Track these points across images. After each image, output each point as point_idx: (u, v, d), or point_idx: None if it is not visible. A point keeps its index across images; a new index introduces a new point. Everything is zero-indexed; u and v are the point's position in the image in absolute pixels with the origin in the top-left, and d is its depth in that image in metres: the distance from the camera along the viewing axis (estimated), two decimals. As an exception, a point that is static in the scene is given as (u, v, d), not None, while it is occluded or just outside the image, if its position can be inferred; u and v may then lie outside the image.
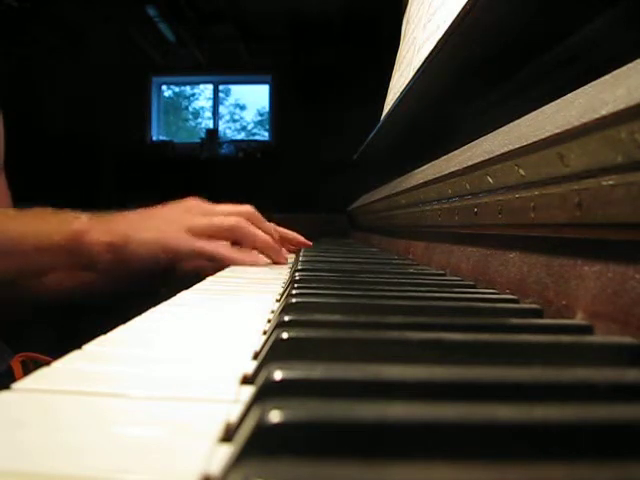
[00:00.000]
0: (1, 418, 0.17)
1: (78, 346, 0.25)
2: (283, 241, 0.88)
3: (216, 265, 0.73)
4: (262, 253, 0.72)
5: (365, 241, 1.35)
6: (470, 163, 0.48)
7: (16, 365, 0.69)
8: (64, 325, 0.84)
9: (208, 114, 4.85)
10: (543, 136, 0.33)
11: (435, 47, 0.65)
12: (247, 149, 4.37)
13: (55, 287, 0.79)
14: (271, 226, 0.76)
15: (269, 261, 0.73)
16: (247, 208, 0.73)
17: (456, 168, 0.52)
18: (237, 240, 0.71)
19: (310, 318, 0.28)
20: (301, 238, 0.92)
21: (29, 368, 0.66)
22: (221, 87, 4.81)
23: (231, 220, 0.68)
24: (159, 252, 0.63)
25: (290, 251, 0.90)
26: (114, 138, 4.14)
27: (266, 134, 4.63)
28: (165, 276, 0.80)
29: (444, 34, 0.60)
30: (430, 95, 0.78)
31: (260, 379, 0.18)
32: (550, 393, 0.18)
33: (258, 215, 0.73)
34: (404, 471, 0.13)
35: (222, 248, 0.67)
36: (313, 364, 0.19)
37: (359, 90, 2.98)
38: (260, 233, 0.71)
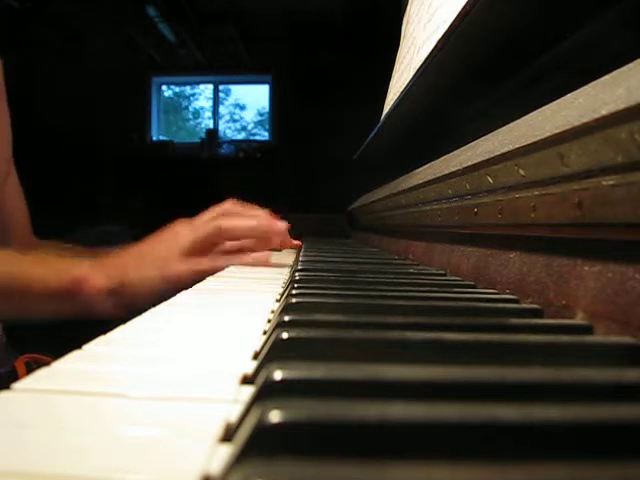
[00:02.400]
0: (1, 418, 0.17)
1: (78, 346, 0.25)
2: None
3: None
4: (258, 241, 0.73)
5: (365, 241, 1.35)
6: (470, 163, 0.48)
7: (20, 366, 0.69)
8: (66, 325, 0.84)
9: (208, 114, 4.85)
10: (543, 136, 0.33)
11: (435, 47, 0.65)
12: (247, 149, 4.37)
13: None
14: (254, 211, 0.75)
15: (265, 258, 0.73)
16: (224, 206, 0.73)
17: (456, 168, 0.52)
18: (229, 239, 0.71)
19: (310, 318, 0.28)
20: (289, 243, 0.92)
21: (33, 369, 0.67)
22: (221, 87, 4.81)
23: (211, 226, 0.69)
24: (160, 285, 0.64)
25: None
26: (114, 138, 4.14)
27: (266, 134, 4.62)
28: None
29: (444, 34, 0.60)
30: (430, 95, 0.78)
31: (260, 379, 0.18)
32: (550, 393, 0.18)
33: (237, 208, 0.73)
34: (404, 471, 0.13)
35: (219, 261, 0.68)
36: (313, 364, 0.19)
37: (359, 90, 2.97)
38: (243, 224, 0.71)
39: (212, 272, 0.67)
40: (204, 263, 0.67)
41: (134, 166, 4.12)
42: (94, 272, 0.62)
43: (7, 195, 0.81)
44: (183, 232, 0.69)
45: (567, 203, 0.31)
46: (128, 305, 0.63)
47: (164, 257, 0.66)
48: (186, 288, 0.70)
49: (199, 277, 0.66)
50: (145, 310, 0.36)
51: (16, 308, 0.62)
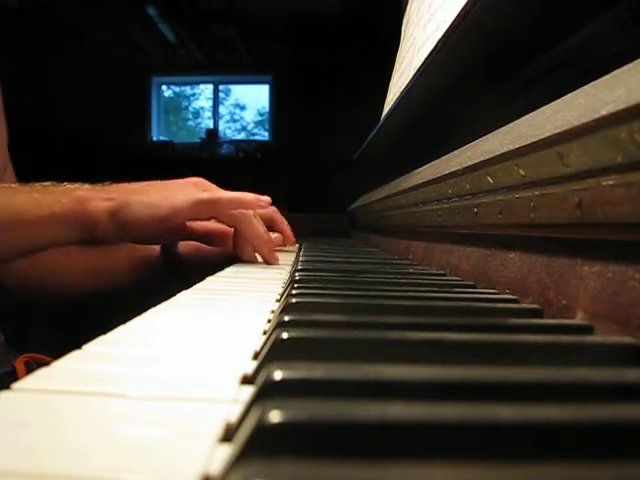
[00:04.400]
0: (1, 418, 0.17)
1: (78, 346, 0.25)
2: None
3: (210, 256, 0.74)
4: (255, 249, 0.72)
5: (365, 241, 1.35)
6: (470, 163, 0.48)
7: (20, 366, 0.69)
8: (66, 325, 0.85)
9: (208, 114, 4.85)
10: (543, 136, 0.33)
11: (435, 47, 0.65)
12: (247, 149, 4.37)
13: (67, 282, 0.80)
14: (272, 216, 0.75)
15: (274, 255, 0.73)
16: (249, 198, 0.72)
17: (456, 168, 0.52)
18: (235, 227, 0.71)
19: (310, 318, 0.28)
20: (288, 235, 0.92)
21: (33, 369, 0.66)
22: (221, 87, 4.81)
23: (234, 194, 0.68)
24: (160, 211, 0.63)
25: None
26: (114, 138, 4.14)
27: (266, 134, 4.63)
28: (167, 260, 0.81)
29: (444, 34, 0.60)
30: (430, 95, 0.78)
31: (260, 379, 0.18)
32: (550, 393, 0.18)
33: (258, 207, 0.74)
34: (404, 471, 0.13)
35: (222, 192, 0.67)
36: (313, 364, 0.19)
37: (359, 90, 2.98)
38: (259, 230, 0.71)
39: (211, 206, 0.66)
40: (205, 194, 0.66)
41: (134, 166, 4.12)
42: (95, 194, 0.62)
43: None
44: (201, 187, 0.69)
45: (567, 203, 0.31)
46: (126, 227, 0.62)
47: (165, 190, 0.66)
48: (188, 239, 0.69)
49: (200, 209, 0.66)
50: (145, 309, 0.36)
51: (23, 234, 0.61)
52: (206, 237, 0.75)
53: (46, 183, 0.64)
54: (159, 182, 0.68)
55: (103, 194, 0.63)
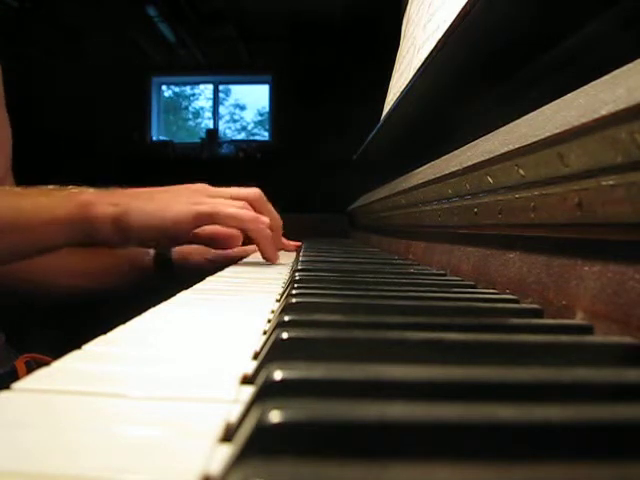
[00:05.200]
0: (1, 418, 0.17)
1: (78, 346, 0.25)
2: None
3: (215, 264, 0.74)
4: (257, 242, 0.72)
5: (365, 241, 1.35)
6: (470, 163, 0.48)
7: (20, 366, 0.69)
8: (66, 325, 0.85)
9: (208, 114, 4.85)
10: (543, 136, 0.33)
11: (435, 47, 0.65)
12: (247, 149, 4.37)
13: (67, 282, 0.80)
14: (272, 215, 0.75)
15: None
16: (253, 192, 0.72)
17: (456, 168, 0.52)
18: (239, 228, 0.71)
19: (310, 318, 0.28)
20: (289, 246, 0.92)
21: (33, 369, 0.66)
22: (221, 87, 4.81)
23: (233, 210, 0.68)
24: (158, 221, 0.64)
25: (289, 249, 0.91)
26: (114, 138, 4.14)
27: (266, 134, 4.63)
28: (164, 269, 0.81)
29: (444, 34, 0.60)
30: (430, 95, 0.78)
31: (260, 379, 0.18)
32: (550, 393, 0.18)
33: (263, 200, 0.73)
34: (404, 471, 0.13)
35: (221, 206, 0.67)
36: (313, 364, 0.19)
37: (359, 90, 2.97)
38: (262, 227, 0.71)
39: (211, 219, 0.66)
40: (205, 206, 0.66)
41: (134, 166, 4.12)
42: (98, 198, 0.63)
43: None
44: (203, 193, 0.69)
45: (567, 203, 0.31)
46: (127, 233, 0.63)
47: (167, 198, 0.66)
48: (188, 242, 0.71)
49: (201, 221, 0.66)
50: (145, 309, 0.36)
51: (26, 238, 0.61)
52: (211, 240, 0.75)
53: (51, 187, 0.64)
54: (162, 188, 0.69)
55: (107, 199, 0.63)
